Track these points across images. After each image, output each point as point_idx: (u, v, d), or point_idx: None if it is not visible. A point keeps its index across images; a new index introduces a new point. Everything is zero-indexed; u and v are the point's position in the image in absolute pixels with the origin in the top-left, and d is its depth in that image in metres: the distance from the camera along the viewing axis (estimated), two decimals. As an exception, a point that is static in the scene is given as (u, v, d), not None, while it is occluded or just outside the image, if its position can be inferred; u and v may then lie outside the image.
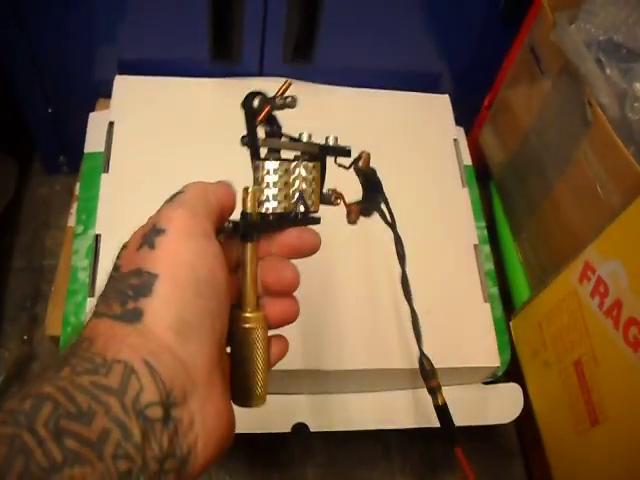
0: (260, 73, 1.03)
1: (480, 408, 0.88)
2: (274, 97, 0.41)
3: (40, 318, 1.10)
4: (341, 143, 0.44)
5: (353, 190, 0.48)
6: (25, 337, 1.09)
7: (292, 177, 0.41)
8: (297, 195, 0.41)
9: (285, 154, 0.42)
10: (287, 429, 0.83)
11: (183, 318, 0.31)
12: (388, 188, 0.50)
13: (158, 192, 0.37)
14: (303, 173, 0.41)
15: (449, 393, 0.86)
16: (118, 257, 0.35)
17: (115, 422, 0.26)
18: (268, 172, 0.40)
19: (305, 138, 0.43)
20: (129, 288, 0.31)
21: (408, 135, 1.01)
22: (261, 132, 0.42)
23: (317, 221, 0.43)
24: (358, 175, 0.47)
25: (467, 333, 0.87)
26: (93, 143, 0.96)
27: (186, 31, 0.97)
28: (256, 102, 0.40)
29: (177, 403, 0.29)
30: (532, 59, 0.96)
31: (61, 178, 1.26)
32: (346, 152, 0.45)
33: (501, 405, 0.89)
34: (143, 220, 0.36)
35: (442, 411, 0.64)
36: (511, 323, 0.96)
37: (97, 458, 0.25)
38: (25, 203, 1.23)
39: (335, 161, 0.45)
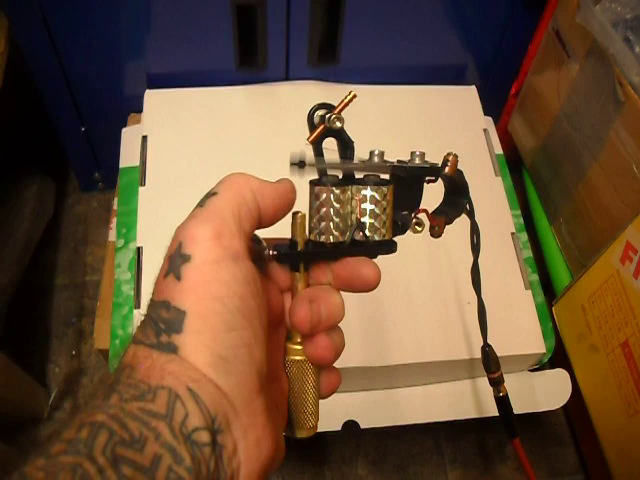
0: (286, 77, 1.04)
1: (528, 396, 0.88)
2: (331, 113, 0.37)
3: (86, 333, 1.13)
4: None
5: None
6: (73, 352, 1.11)
7: (354, 203, 0.37)
8: (358, 224, 0.37)
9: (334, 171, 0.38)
10: (337, 427, 0.83)
11: (217, 353, 0.31)
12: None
13: (195, 201, 0.36)
14: (369, 199, 0.37)
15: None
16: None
17: (166, 447, 0.27)
18: (324, 197, 0.37)
19: (377, 158, 0.38)
20: (161, 321, 0.31)
21: (437, 128, 1.01)
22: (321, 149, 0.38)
23: (391, 248, 0.39)
24: (444, 182, 0.42)
25: (510, 321, 0.87)
26: (128, 158, 0.98)
27: (212, 41, 0.99)
28: (316, 118, 0.37)
29: (221, 429, 0.30)
30: (558, 43, 0.96)
31: (97, 195, 1.29)
32: (435, 170, 0.40)
33: (549, 391, 0.89)
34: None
35: (503, 403, 0.63)
36: (554, 309, 0.95)
37: None
38: (64, 221, 1.26)
39: (423, 180, 0.40)
